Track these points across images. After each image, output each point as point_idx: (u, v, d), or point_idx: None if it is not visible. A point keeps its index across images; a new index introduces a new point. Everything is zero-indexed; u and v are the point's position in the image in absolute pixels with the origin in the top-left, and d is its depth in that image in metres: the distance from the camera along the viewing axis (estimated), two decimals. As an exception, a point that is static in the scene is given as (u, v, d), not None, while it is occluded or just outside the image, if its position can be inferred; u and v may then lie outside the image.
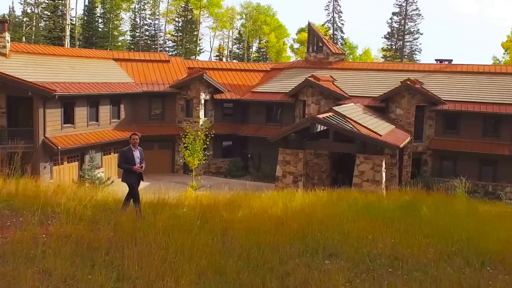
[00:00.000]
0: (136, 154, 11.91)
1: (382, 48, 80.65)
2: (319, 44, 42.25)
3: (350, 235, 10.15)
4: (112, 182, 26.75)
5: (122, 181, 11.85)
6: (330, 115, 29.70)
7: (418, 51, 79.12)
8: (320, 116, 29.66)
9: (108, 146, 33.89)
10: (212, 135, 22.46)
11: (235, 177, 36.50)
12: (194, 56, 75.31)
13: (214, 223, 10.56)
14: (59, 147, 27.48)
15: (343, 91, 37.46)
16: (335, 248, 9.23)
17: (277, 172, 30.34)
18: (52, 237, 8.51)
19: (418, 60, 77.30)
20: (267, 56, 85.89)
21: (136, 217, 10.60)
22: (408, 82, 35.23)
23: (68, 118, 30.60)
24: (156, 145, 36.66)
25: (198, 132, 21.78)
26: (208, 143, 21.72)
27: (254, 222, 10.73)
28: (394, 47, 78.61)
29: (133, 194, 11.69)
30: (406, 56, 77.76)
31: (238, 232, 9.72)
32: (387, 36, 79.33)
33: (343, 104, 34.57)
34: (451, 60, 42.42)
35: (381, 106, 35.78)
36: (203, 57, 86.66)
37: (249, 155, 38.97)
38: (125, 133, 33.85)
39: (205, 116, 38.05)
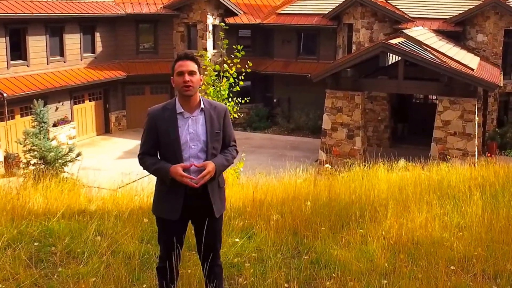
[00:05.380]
0: (192, 124, 4.22)
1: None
2: None
3: None
4: (78, 156, 16.76)
5: (152, 211, 4.47)
6: (401, 41, 22.50)
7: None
8: (393, 41, 22.27)
9: (81, 92, 28.20)
10: (248, 69, 13.66)
11: (257, 130, 31.05)
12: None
13: None
14: (5, 95, 22.91)
15: (402, 11, 30.16)
16: None
17: (323, 124, 24.05)
18: None
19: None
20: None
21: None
22: (495, -4, 28.05)
23: (18, 53, 25.58)
24: (147, 89, 30.88)
25: (225, 64, 13.03)
26: (242, 83, 13.31)
27: None
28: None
29: (169, 254, 4.25)
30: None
31: None
32: None
33: (404, 28, 27.25)
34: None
35: (455, 31, 29.04)
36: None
37: (275, 100, 33.40)
38: (103, 73, 28.10)
39: (214, 48, 31.41)
